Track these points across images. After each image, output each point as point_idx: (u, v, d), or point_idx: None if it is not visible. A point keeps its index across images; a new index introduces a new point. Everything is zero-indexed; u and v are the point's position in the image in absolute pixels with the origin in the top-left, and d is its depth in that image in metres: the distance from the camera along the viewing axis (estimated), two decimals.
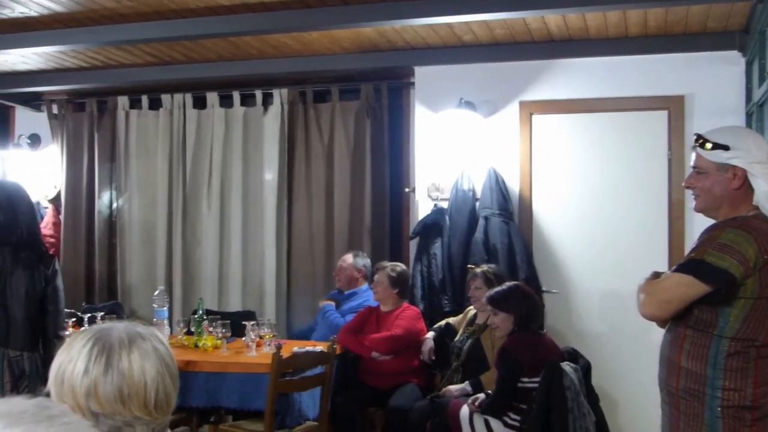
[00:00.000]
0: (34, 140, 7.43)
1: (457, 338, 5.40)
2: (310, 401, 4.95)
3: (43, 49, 5.83)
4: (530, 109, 6.04)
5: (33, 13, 5.18)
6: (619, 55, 5.82)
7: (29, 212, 4.17)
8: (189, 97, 7.03)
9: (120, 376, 1.55)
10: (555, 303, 5.90)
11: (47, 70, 6.74)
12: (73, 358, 1.56)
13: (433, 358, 5.46)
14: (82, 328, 1.66)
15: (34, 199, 7.38)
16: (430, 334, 5.52)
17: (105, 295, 7.17)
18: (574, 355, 4.78)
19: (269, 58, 6.32)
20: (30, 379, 3.95)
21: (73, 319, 5.72)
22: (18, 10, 5.12)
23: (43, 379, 3.35)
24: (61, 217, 7.39)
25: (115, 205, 7.30)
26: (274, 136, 6.78)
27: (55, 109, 7.45)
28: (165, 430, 1.63)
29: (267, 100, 6.87)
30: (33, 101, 7.49)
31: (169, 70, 6.58)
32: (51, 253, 4.30)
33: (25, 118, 7.63)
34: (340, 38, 5.81)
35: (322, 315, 5.90)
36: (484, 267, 5.39)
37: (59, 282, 4.18)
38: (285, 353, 4.62)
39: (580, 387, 4.38)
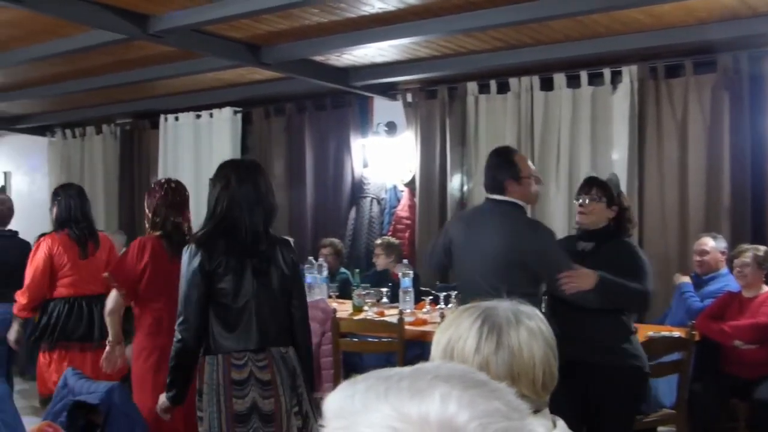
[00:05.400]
0: (391, 128, 7.92)
1: None
2: (666, 388, 4.79)
3: (398, 41, 6.13)
4: None
5: (390, 8, 5.46)
6: None
7: (246, 191, 3.48)
8: (536, 80, 7.03)
9: (510, 354, 1.59)
10: None
11: (402, 61, 7.10)
12: (462, 335, 1.62)
13: None
14: (468, 306, 1.72)
15: (389, 184, 7.96)
16: None
17: None
18: None
19: (617, 34, 6.12)
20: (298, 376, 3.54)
21: (430, 297, 6.02)
22: (377, 6, 5.44)
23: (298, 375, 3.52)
24: (416, 199, 7.76)
25: (465, 187, 7.52)
26: (624, 115, 6.58)
27: (409, 98, 7.82)
28: (544, 408, 1.65)
29: (615, 78, 6.68)
30: (389, 91, 7.92)
31: (516, 53, 6.62)
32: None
33: (383, 107, 8.11)
34: (695, 8, 5.48)
35: (678, 294, 5.63)
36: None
37: (299, 266, 3.77)
38: (639, 338, 4.49)
39: None
